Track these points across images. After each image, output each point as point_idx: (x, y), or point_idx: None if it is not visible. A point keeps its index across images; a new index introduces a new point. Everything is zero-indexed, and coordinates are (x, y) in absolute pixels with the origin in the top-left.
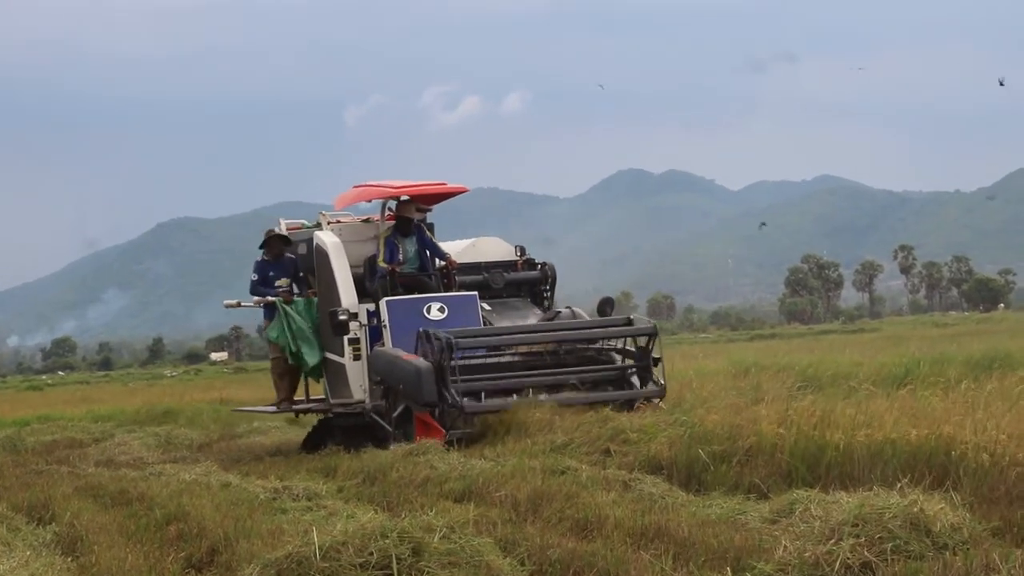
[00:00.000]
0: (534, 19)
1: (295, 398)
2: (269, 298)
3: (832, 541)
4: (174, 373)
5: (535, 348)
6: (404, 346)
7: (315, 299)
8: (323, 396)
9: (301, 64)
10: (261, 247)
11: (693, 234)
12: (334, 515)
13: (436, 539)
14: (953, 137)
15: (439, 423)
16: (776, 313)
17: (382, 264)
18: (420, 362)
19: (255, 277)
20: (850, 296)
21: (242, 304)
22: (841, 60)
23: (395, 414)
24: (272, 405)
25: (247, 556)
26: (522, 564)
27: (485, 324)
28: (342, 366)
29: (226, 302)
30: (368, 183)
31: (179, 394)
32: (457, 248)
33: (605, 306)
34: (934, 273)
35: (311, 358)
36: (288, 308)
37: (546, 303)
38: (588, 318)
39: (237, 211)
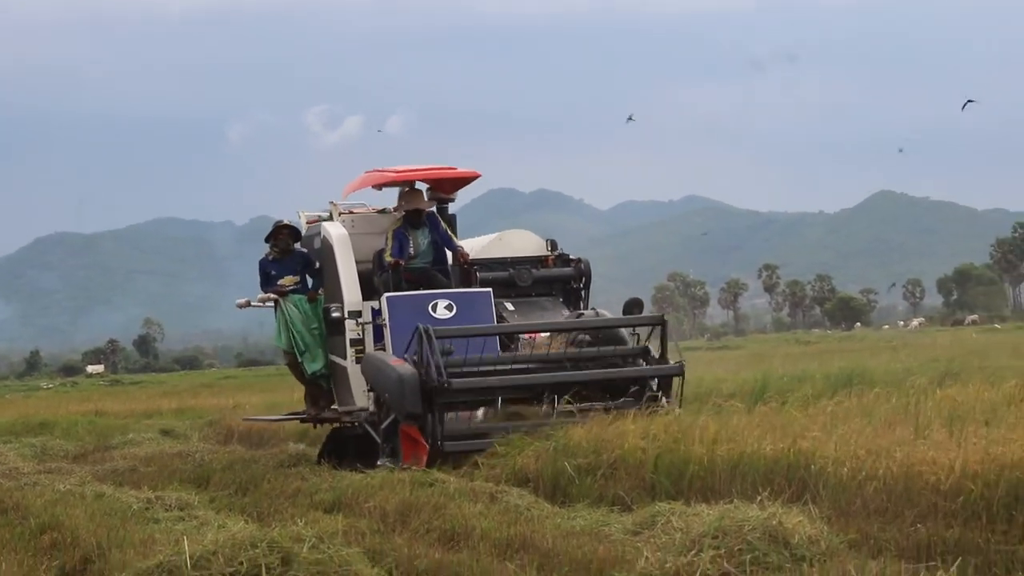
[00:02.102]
0: (415, 41)
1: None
2: (271, 297)
3: (693, 553)
4: (50, 385)
5: (553, 352)
6: (403, 347)
7: (322, 299)
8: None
9: (181, 81)
10: (267, 240)
11: None
12: (205, 525)
13: (305, 549)
14: (817, 159)
15: (425, 437)
16: None
17: (388, 258)
18: (404, 368)
19: (259, 278)
20: (716, 314)
21: (252, 303)
22: (709, 84)
23: (383, 426)
24: (296, 413)
25: (119, 565)
26: (390, 574)
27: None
28: (344, 370)
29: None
30: (376, 169)
31: (55, 406)
32: (482, 242)
33: (633, 307)
34: (797, 292)
35: (311, 364)
36: (290, 308)
37: (581, 303)
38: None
39: (114, 226)
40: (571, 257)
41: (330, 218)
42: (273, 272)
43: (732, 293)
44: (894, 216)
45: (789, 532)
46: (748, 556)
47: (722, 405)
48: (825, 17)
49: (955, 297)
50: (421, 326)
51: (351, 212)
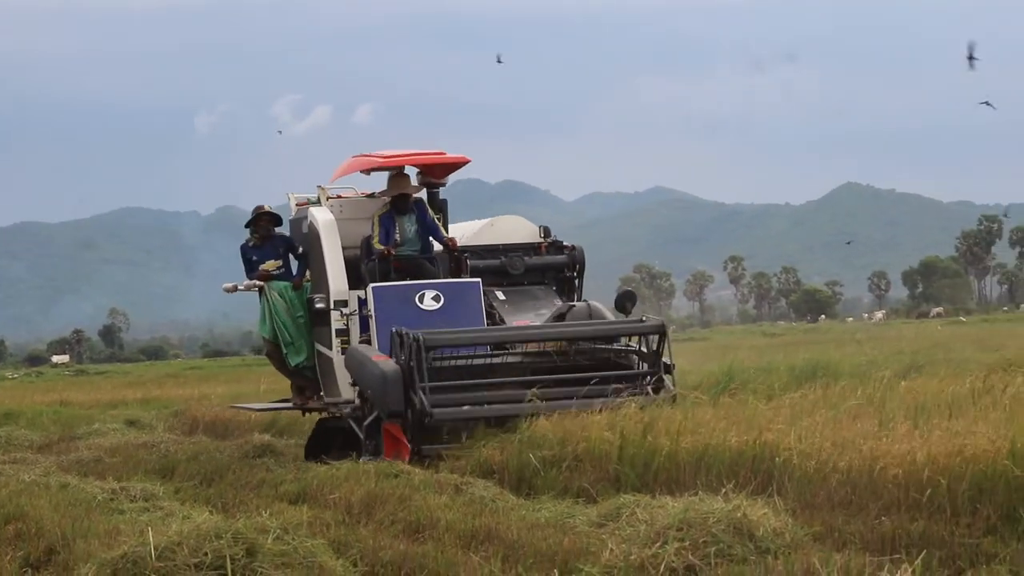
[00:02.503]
0: (384, 31)
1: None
2: (257, 284)
3: (657, 545)
4: (15, 375)
5: (544, 346)
6: (388, 339)
7: (308, 286)
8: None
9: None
10: (247, 226)
11: None
12: (170, 516)
13: (270, 540)
14: (783, 151)
15: (408, 437)
16: None
17: (377, 245)
18: (387, 365)
19: (244, 263)
20: (681, 305)
21: (239, 288)
22: (677, 76)
23: (367, 423)
24: (283, 401)
25: (84, 556)
26: (354, 565)
27: (494, 316)
28: (331, 360)
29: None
30: (363, 154)
31: (20, 396)
32: (473, 228)
33: (625, 301)
34: (763, 284)
35: (295, 356)
36: (274, 297)
37: (575, 292)
38: (607, 313)
39: (80, 216)
40: (565, 244)
41: (318, 202)
42: (254, 257)
43: (698, 285)
44: (860, 208)
45: (754, 524)
46: (713, 548)
47: (687, 397)
48: (793, 11)
49: (920, 289)
50: (400, 331)
51: (339, 197)
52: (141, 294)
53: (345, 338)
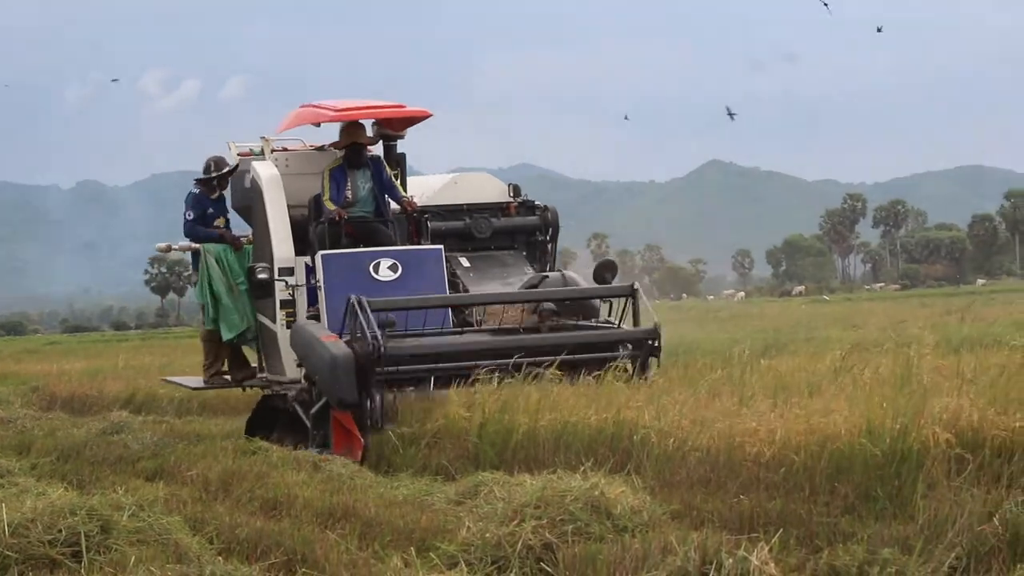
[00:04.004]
0: (253, 6)
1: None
2: (193, 246)
3: (514, 522)
4: None
5: (507, 322)
6: (339, 313)
7: (250, 248)
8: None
9: (13, 43)
10: (214, 182)
11: None
12: (25, 492)
13: (125, 517)
14: (649, 129)
15: (361, 429)
16: None
17: (328, 204)
18: (338, 348)
19: (190, 215)
20: None
21: (173, 248)
22: (543, 50)
23: (314, 410)
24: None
25: None
26: (211, 542)
27: (458, 286)
28: (274, 334)
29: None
30: (311, 103)
31: None
32: (433, 186)
33: (604, 272)
34: (627, 261)
35: (228, 329)
36: (211, 264)
37: (547, 258)
38: (583, 284)
39: None
40: (537, 204)
41: (261, 155)
42: (211, 210)
43: (562, 262)
44: (724, 186)
45: (611, 502)
46: (570, 526)
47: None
48: None
49: (784, 268)
50: (353, 297)
51: (285, 150)
52: (2, 269)
53: (291, 310)
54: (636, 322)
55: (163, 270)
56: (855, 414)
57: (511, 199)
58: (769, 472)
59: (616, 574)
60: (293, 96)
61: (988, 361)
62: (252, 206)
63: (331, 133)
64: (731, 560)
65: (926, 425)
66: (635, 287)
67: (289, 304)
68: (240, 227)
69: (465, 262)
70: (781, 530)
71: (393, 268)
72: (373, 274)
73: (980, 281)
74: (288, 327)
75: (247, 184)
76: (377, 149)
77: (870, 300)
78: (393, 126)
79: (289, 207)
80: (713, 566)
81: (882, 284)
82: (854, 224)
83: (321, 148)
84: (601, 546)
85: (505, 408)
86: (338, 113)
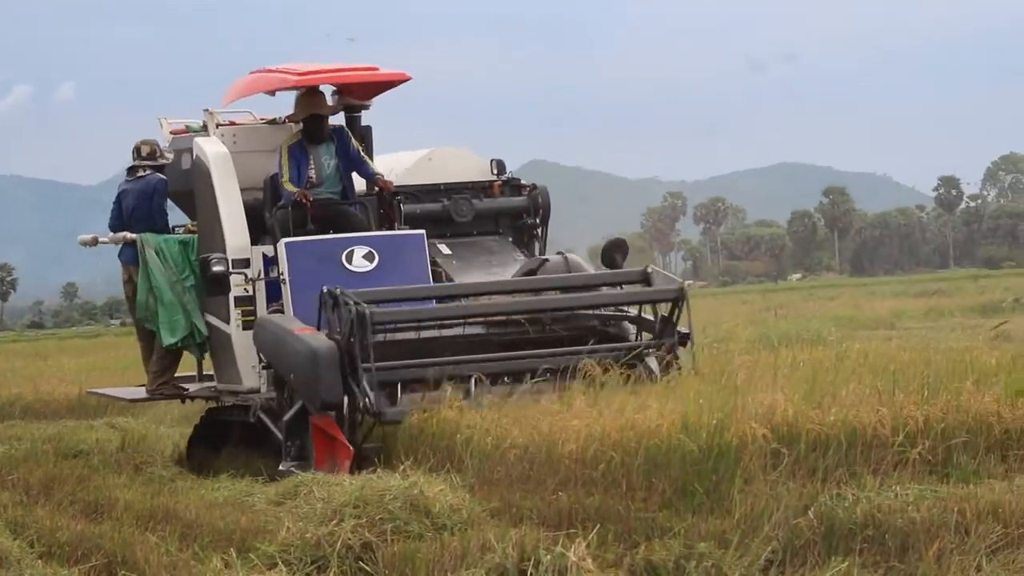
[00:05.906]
0: (87, 10)
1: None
2: (128, 236)
3: (334, 522)
4: None
5: (502, 317)
6: (308, 310)
7: (193, 237)
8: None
9: None
10: (132, 167)
11: None
12: None
13: None
14: (467, 126)
15: (349, 436)
16: None
17: (287, 186)
18: (317, 340)
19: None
20: None
21: (99, 241)
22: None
23: (287, 417)
24: (141, 387)
25: None
26: (31, 546)
27: (440, 276)
28: (228, 337)
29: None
30: (266, 68)
31: None
32: (405, 163)
33: (614, 252)
34: None
35: (169, 333)
36: (150, 256)
37: (537, 244)
38: (589, 269)
39: None
40: (523, 183)
41: (204, 131)
42: None
43: None
44: (547, 185)
45: (430, 501)
46: (389, 525)
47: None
48: None
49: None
50: (326, 289)
51: (231, 124)
52: None
53: (247, 307)
54: (684, 332)
55: None
56: (672, 410)
57: (495, 177)
58: (587, 469)
59: (435, 572)
60: (129, 101)
61: (804, 356)
62: (195, 190)
63: (285, 104)
64: (549, 556)
65: (742, 420)
66: (684, 288)
67: (246, 301)
68: (178, 218)
69: (445, 249)
70: (599, 526)
71: (369, 257)
72: (346, 264)
73: (794, 276)
74: (245, 328)
75: (186, 165)
76: (338, 121)
77: (693, 297)
78: (358, 94)
79: (240, 189)
80: (531, 563)
81: (703, 283)
82: (675, 222)
83: (273, 121)
84: (420, 544)
85: None
86: (302, 77)
